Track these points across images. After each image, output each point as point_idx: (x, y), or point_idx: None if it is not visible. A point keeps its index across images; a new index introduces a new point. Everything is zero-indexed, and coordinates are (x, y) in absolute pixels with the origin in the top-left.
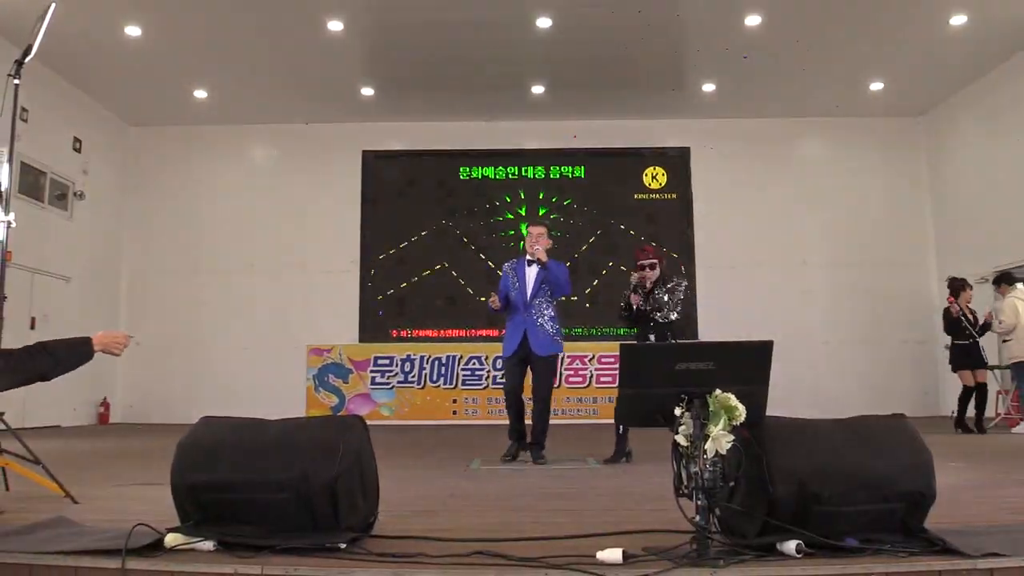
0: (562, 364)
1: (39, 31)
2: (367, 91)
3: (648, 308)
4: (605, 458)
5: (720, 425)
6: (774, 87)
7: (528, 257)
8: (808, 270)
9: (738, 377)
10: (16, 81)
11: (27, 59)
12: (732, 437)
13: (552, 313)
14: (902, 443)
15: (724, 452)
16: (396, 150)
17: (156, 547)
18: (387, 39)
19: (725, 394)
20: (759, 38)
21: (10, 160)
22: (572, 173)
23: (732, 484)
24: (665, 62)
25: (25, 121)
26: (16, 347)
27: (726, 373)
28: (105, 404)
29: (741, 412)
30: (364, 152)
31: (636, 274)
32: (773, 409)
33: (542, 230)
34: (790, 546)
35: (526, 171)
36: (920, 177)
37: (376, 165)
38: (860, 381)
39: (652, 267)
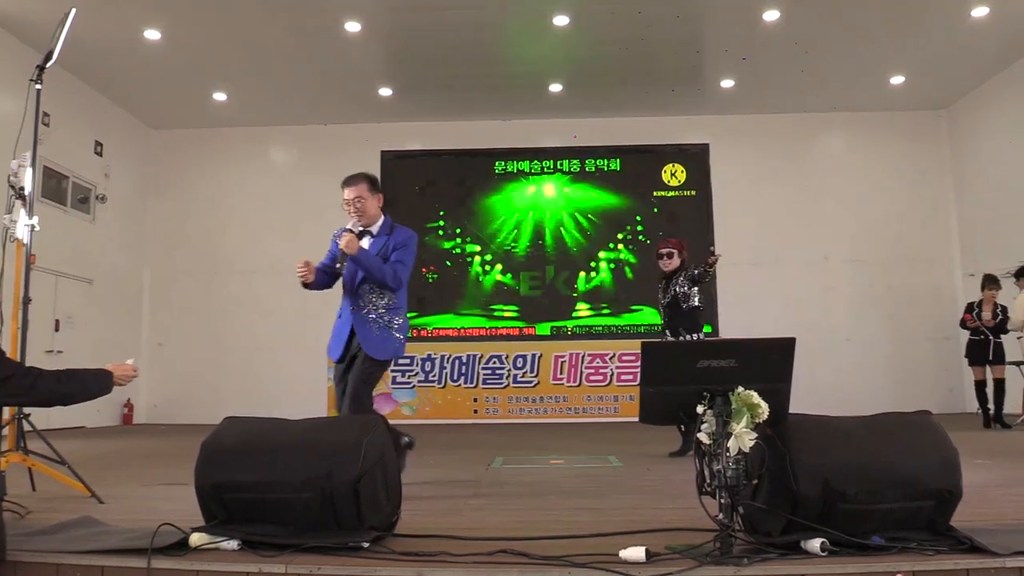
0: (582, 363)
1: (60, 36)
2: (385, 92)
3: (668, 299)
4: (671, 451)
5: (743, 423)
6: (793, 82)
7: (348, 227)
8: (830, 266)
9: (761, 374)
10: (38, 86)
11: (48, 64)
12: (755, 435)
13: (391, 302)
14: (928, 440)
15: (747, 450)
16: (414, 150)
17: (181, 546)
18: (405, 39)
19: (748, 391)
20: (777, 33)
21: (33, 164)
22: (607, 166)
23: (755, 482)
24: (683, 59)
25: (47, 125)
26: (47, 368)
27: (748, 370)
28: (129, 405)
29: (764, 410)
30: (383, 152)
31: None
32: (795, 407)
33: (361, 189)
34: (815, 544)
35: (556, 163)
36: (943, 171)
37: (394, 165)
38: (884, 378)
39: (670, 256)
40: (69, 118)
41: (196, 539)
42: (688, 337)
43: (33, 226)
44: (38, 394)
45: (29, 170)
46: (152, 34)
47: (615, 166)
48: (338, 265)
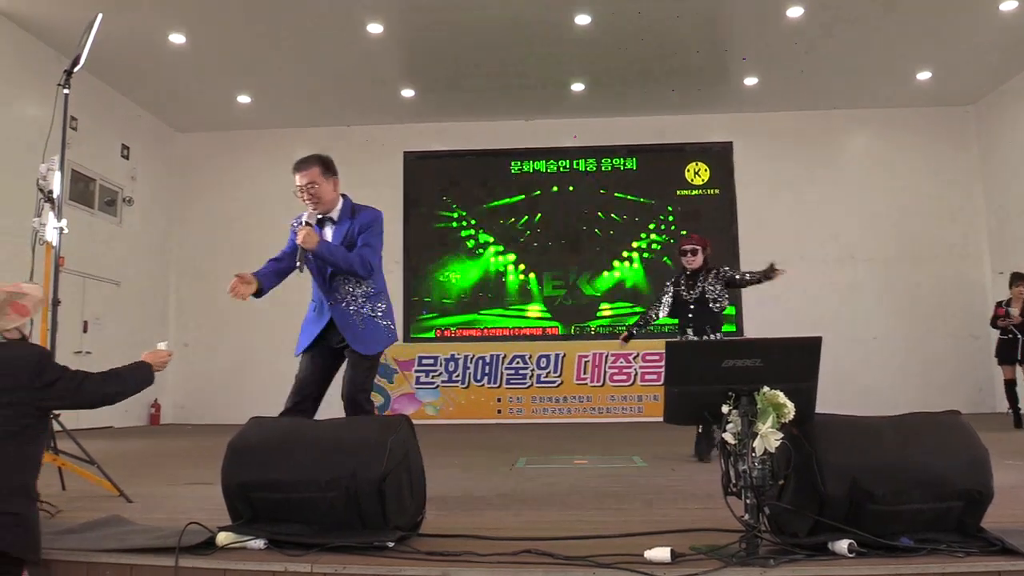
0: (605, 362)
1: (87, 42)
2: (407, 92)
3: (696, 296)
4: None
5: (769, 423)
6: (818, 79)
7: (304, 219)
8: (856, 265)
9: (786, 374)
10: (66, 91)
11: (76, 69)
12: (781, 435)
13: (369, 290)
14: (957, 440)
15: (773, 450)
16: (437, 151)
17: (208, 545)
18: (426, 41)
19: (773, 391)
20: (801, 29)
21: (61, 168)
22: (624, 165)
23: (782, 482)
24: (706, 56)
25: (75, 129)
26: (93, 370)
27: (774, 370)
28: (156, 405)
29: (790, 409)
30: (405, 153)
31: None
32: (821, 407)
33: (313, 173)
34: (842, 545)
35: (568, 166)
36: (971, 168)
37: (417, 166)
38: (911, 378)
39: (694, 253)
40: (96, 122)
41: (223, 538)
42: (713, 337)
43: (62, 229)
44: (85, 395)
45: (57, 174)
46: (177, 38)
47: (637, 165)
48: (298, 264)
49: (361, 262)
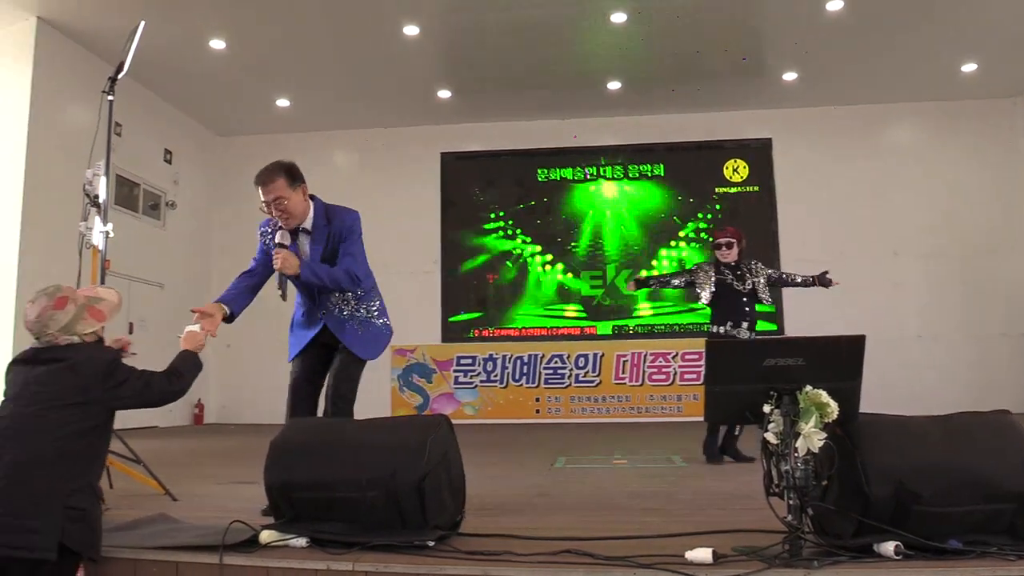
0: (644, 362)
1: (130, 49)
2: (444, 93)
3: (748, 288)
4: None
5: (811, 423)
6: (859, 73)
7: (278, 240)
8: (900, 261)
9: (829, 373)
10: (110, 98)
11: (120, 76)
12: (824, 435)
13: (360, 292)
14: (1007, 441)
15: (816, 450)
16: (474, 151)
17: (252, 543)
18: (462, 41)
19: (816, 390)
20: (841, 23)
21: (107, 173)
22: (661, 162)
23: (825, 483)
24: (744, 52)
25: (119, 135)
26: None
27: (817, 369)
28: (199, 405)
29: (833, 409)
30: (442, 154)
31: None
32: (865, 407)
33: (278, 187)
34: (888, 547)
35: (605, 170)
36: (1019, 160)
37: (454, 167)
38: (958, 376)
39: (729, 246)
40: (140, 128)
41: (266, 536)
42: (752, 334)
43: (108, 233)
44: (152, 394)
45: (103, 179)
46: (217, 43)
47: (674, 163)
48: (279, 291)
49: (347, 277)
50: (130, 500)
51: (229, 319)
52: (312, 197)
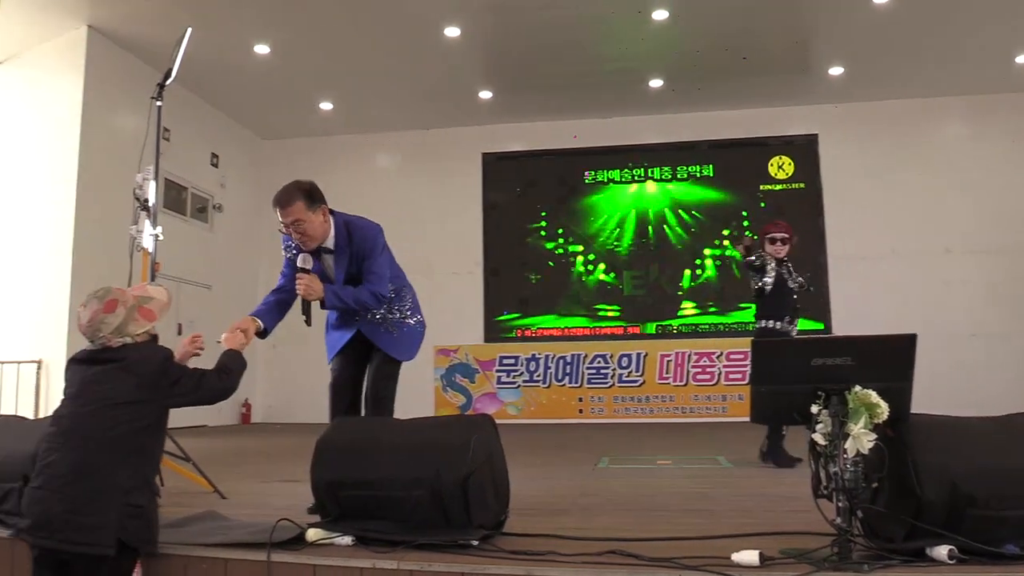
0: (688, 362)
1: (177, 55)
2: (485, 94)
3: (797, 284)
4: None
5: (861, 423)
6: (908, 66)
7: (300, 265)
8: (951, 259)
9: (879, 373)
10: (159, 103)
11: (168, 82)
12: (874, 436)
13: (391, 293)
14: None
15: (866, 451)
16: (515, 151)
17: (298, 541)
18: (503, 42)
19: (865, 391)
20: (890, 14)
21: (156, 177)
22: (699, 172)
23: (875, 485)
24: (788, 47)
25: (168, 140)
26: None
27: (866, 369)
28: (247, 405)
29: (884, 409)
30: (484, 155)
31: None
32: (916, 408)
33: (297, 210)
34: (941, 551)
35: (651, 166)
36: None
37: (496, 167)
38: (1014, 376)
39: (784, 241)
40: (187, 132)
41: (312, 534)
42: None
43: (157, 236)
44: (205, 392)
45: (153, 183)
46: (261, 48)
47: (718, 161)
48: (303, 316)
49: (372, 298)
50: (180, 498)
51: (262, 334)
52: (332, 212)
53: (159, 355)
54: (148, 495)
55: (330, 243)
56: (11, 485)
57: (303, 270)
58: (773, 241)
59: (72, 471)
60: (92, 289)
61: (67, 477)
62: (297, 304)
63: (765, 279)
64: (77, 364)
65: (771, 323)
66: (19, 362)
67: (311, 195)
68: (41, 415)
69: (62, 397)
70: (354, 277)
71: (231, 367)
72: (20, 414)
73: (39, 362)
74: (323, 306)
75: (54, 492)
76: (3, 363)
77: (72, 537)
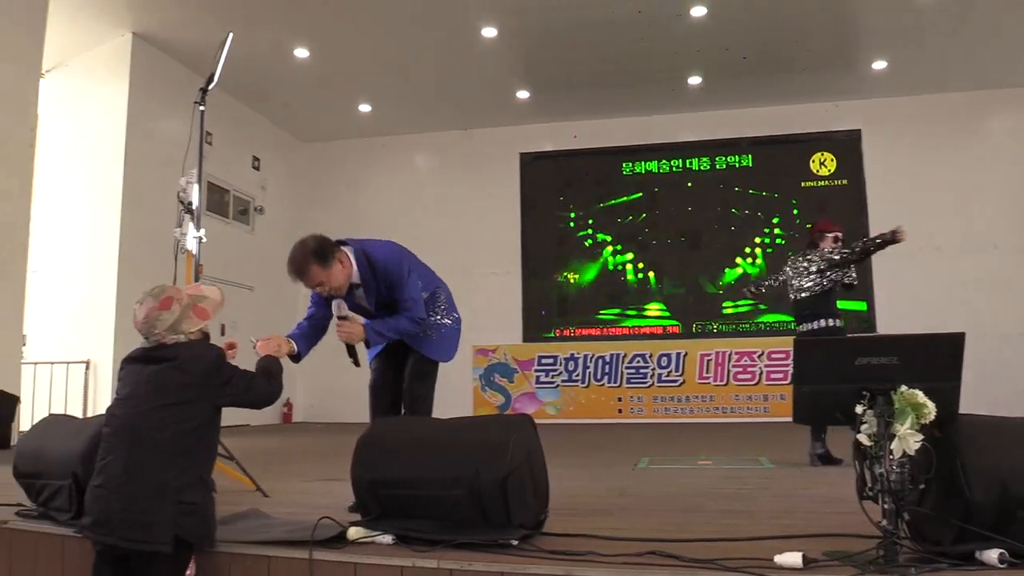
0: (729, 361)
1: (220, 60)
2: (523, 94)
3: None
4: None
5: (907, 424)
6: (954, 59)
7: (335, 312)
8: (1000, 255)
9: (926, 372)
10: (201, 108)
11: (210, 87)
12: (921, 437)
13: (425, 296)
14: None
15: (912, 452)
16: (553, 151)
17: (340, 539)
18: (540, 41)
19: (912, 391)
20: (934, 7)
21: (199, 180)
22: (744, 158)
23: (922, 487)
24: (829, 41)
25: (210, 144)
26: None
27: (912, 368)
28: (288, 404)
29: (931, 410)
30: (522, 154)
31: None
32: (964, 409)
33: (315, 274)
34: (992, 555)
35: (690, 163)
36: None
37: (533, 167)
38: None
39: (836, 240)
40: (229, 136)
41: (354, 533)
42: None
43: (201, 238)
44: (254, 395)
45: (196, 186)
46: (301, 52)
47: (758, 158)
48: (351, 359)
49: (412, 324)
50: (224, 496)
51: (296, 358)
52: (346, 244)
53: (211, 353)
54: (202, 492)
55: (356, 278)
56: (61, 483)
57: (342, 318)
58: (837, 240)
59: (125, 471)
60: (138, 291)
61: (122, 477)
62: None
63: (851, 273)
64: (132, 363)
65: (837, 322)
66: (68, 362)
67: (321, 255)
68: (89, 414)
69: (115, 396)
70: (386, 302)
71: (275, 373)
72: (69, 413)
73: (87, 362)
74: (368, 345)
75: (111, 491)
76: (53, 363)
77: (130, 534)
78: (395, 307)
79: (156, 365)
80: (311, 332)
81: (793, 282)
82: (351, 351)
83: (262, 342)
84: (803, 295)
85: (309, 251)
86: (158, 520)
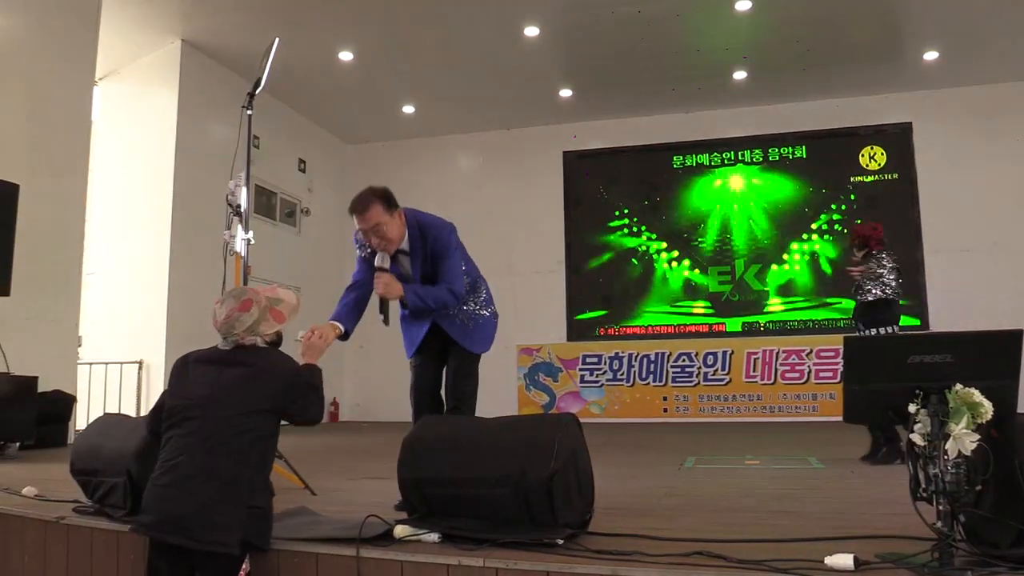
0: (776, 359)
1: (266, 65)
2: (565, 92)
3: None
4: (862, 455)
5: (963, 423)
6: (1011, 47)
7: (378, 263)
8: None
9: (981, 371)
10: (249, 112)
11: (257, 91)
12: (977, 436)
13: (468, 287)
14: None
15: (968, 452)
16: (596, 149)
17: (386, 537)
18: (582, 39)
19: (967, 389)
20: None
21: (247, 183)
22: (792, 153)
23: (979, 488)
24: (878, 32)
25: (257, 147)
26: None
27: (967, 366)
28: (335, 403)
29: (987, 409)
30: (565, 153)
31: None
32: (1020, 407)
33: (376, 214)
34: None
35: (742, 154)
36: None
37: (577, 165)
38: None
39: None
40: (275, 139)
41: (400, 531)
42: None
43: (249, 240)
44: (309, 417)
45: (244, 189)
46: (345, 55)
47: (806, 152)
48: (381, 315)
49: (451, 296)
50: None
51: (344, 336)
52: (404, 212)
53: (290, 370)
54: (267, 495)
55: (405, 245)
56: (116, 480)
57: (381, 269)
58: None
59: (202, 472)
60: (189, 294)
61: (198, 478)
62: (374, 304)
63: (900, 279)
64: (205, 364)
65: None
66: (122, 363)
67: (387, 199)
68: (143, 413)
69: (183, 396)
70: (429, 276)
71: (318, 384)
72: (123, 412)
73: (140, 363)
74: (403, 305)
75: (184, 491)
76: (107, 364)
77: (201, 536)
78: (436, 281)
79: (234, 369)
80: (356, 306)
81: (866, 284)
82: (384, 307)
83: (305, 341)
84: (868, 298)
85: (375, 192)
86: (233, 523)
